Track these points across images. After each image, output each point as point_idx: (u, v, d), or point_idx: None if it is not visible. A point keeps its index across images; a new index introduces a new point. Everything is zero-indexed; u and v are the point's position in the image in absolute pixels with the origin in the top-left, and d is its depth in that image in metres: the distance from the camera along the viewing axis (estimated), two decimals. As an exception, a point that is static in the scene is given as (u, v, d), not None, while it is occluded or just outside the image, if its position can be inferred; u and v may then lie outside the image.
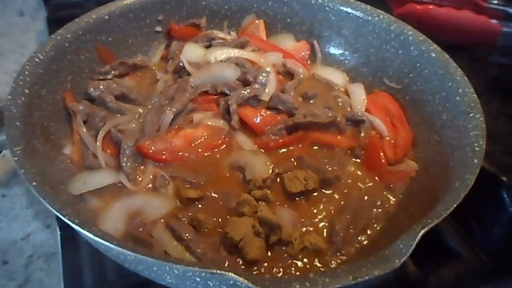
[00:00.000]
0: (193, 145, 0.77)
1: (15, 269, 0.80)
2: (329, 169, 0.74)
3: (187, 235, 0.62)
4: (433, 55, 0.79)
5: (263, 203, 0.66)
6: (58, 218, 0.74)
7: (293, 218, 0.66)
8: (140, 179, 0.72)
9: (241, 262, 0.62)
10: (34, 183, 0.51)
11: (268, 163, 0.74)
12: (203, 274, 0.45)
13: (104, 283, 0.68)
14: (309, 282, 0.44)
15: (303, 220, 0.68)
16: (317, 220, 0.68)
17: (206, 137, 0.79)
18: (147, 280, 0.62)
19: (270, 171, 0.73)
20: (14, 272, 0.80)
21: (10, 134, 0.58)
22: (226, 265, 0.61)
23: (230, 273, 0.42)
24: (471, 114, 0.67)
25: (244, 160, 0.75)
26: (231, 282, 0.46)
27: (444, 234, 0.77)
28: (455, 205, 0.52)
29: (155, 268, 0.48)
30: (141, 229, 0.65)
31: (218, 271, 0.42)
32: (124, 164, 0.71)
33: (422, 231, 0.49)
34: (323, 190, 0.72)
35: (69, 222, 0.47)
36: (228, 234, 0.62)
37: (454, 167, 0.63)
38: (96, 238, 0.45)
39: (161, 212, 0.68)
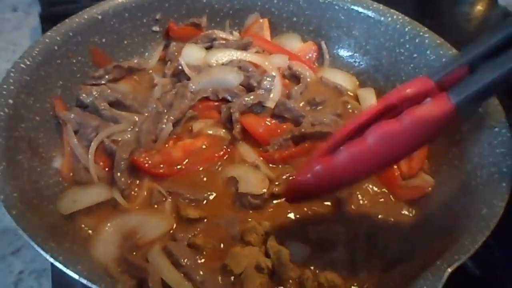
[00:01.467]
0: (192, 156, 0.72)
1: (4, 287, 0.76)
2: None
3: (185, 260, 0.57)
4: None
5: (273, 237, 0.60)
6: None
7: (304, 254, 0.61)
8: (135, 194, 0.67)
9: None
10: (14, 212, 0.46)
11: (265, 180, 0.68)
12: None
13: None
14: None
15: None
16: (331, 251, 0.62)
17: (206, 147, 0.73)
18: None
19: (265, 190, 0.67)
20: (3, 291, 0.75)
21: (-11, 153, 0.53)
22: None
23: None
24: (496, 129, 0.61)
25: (239, 173, 0.70)
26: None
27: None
28: (484, 238, 0.47)
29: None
30: (135, 252, 0.60)
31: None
32: (118, 179, 0.66)
33: (449, 270, 0.43)
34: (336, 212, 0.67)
35: (51, 260, 0.41)
36: (228, 266, 0.57)
37: (478, 188, 0.58)
38: (82, 279, 0.40)
39: (158, 232, 0.63)
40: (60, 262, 0.41)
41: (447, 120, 0.50)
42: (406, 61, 0.82)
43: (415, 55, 0.80)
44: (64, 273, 0.67)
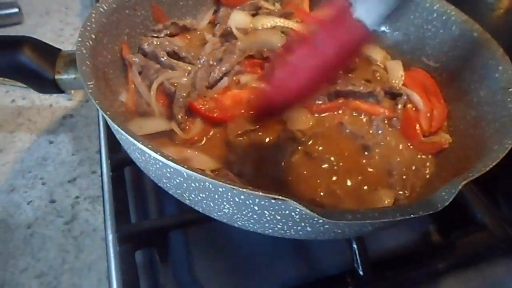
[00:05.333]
0: (240, 105, 0.81)
1: (62, 208, 0.86)
2: (369, 133, 0.78)
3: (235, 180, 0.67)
4: (475, 34, 0.82)
5: None
6: (109, 160, 0.80)
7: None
8: (189, 129, 0.76)
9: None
10: (109, 112, 0.55)
11: (308, 116, 0.79)
12: (263, 202, 0.50)
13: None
14: (360, 214, 0.48)
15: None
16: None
17: (252, 97, 0.83)
18: (187, 220, 0.68)
19: (311, 123, 0.79)
20: (61, 211, 0.85)
21: (83, 70, 0.62)
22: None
23: (290, 199, 0.46)
24: (510, 89, 0.70)
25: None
26: (287, 212, 0.50)
27: (471, 205, 0.81)
28: (493, 164, 0.56)
29: (216, 196, 0.52)
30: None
31: (280, 197, 0.46)
32: (176, 113, 0.75)
33: (463, 182, 0.52)
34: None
35: (146, 150, 0.50)
36: None
37: (491, 137, 0.67)
38: (172, 164, 0.49)
39: (208, 166, 0.71)
40: (155, 151, 0.50)
41: (363, 41, 0.57)
42: (432, 36, 0.91)
43: (441, 31, 0.89)
44: (120, 197, 0.77)
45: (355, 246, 0.69)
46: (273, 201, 0.48)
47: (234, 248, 0.74)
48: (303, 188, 0.70)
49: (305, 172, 0.72)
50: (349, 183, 0.72)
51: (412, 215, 0.49)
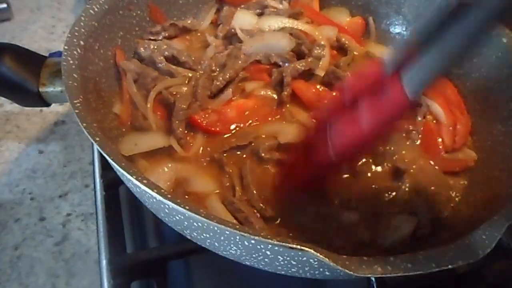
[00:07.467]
0: (245, 116, 0.74)
1: (53, 227, 0.79)
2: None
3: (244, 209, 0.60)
4: (504, 40, 0.74)
5: None
6: (101, 178, 0.73)
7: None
8: (190, 144, 0.69)
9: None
10: (97, 139, 0.48)
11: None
12: (276, 248, 0.43)
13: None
14: (391, 266, 0.41)
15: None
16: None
17: (257, 107, 0.76)
18: (189, 249, 0.62)
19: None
20: (52, 230, 0.79)
21: (69, 85, 0.55)
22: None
23: (311, 250, 0.40)
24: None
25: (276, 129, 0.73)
26: (304, 258, 0.44)
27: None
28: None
29: (222, 238, 0.46)
30: (187, 196, 0.63)
31: (299, 247, 0.40)
32: (176, 127, 0.68)
33: (507, 224, 0.46)
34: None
35: (136, 182, 0.44)
36: None
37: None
38: (171, 203, 0.43)
39: (208, 189, 0.65)
40: (145, 185, 0.44)
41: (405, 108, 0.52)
42: (454, 40, 0.83)
43: (465, 35, 0.82)
44: (115, 218, 0.71)
45: (373, 278, 0.62)
46: (289, 249, 0.41)
47: (238, 277, 0.67)
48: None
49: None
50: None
51: (449, 266, 0.42)
